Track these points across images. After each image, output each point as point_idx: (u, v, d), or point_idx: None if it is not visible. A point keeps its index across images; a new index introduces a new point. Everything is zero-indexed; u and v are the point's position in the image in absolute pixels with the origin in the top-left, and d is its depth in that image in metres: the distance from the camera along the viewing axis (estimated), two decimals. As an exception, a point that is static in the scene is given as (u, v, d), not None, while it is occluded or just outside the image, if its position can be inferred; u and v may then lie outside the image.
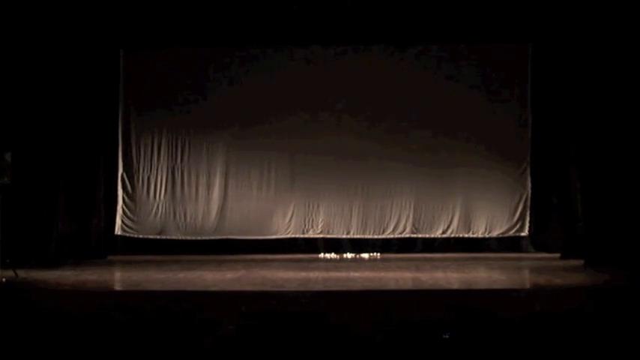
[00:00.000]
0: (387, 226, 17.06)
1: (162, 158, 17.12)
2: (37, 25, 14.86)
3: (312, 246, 17.06)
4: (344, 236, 17.06)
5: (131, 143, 17.08)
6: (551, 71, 16.06)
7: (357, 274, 13.07)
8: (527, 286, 12.53)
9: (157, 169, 17.11)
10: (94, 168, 16.60)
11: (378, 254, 16.67)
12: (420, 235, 17.09)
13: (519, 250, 16.90)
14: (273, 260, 15.51)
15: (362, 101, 16.88)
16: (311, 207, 17.04)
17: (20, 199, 14.27)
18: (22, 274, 13.18)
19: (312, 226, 17.04)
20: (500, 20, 15.45)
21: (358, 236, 17.06)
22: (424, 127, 16.86)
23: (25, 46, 14.90)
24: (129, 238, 16.93)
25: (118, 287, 12.78)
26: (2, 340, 6.65)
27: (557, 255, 15.86)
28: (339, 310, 9.02)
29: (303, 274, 13.12)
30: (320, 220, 17.02)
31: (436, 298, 10.53)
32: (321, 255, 16.67)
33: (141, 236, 16.93)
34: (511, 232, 16.94)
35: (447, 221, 16.96)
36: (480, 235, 16.97)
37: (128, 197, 17.03)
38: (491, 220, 16.92)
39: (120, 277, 13.72)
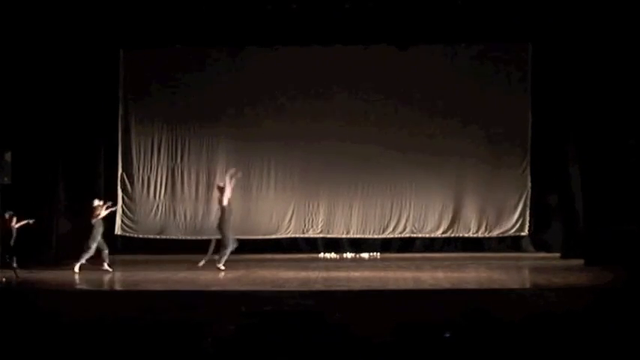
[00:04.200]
0: (387, 226, 17.07)
1: (162, 158, 17.13)
2: (38, 27, 14.85)
3: (312, 246, 17.07)
4: (344, 236, 17.07)
5: (131, 143, 17.08)
6: (551, 71, 16.06)
7: (357, 274, 13.08)
8: (527, 286, 12.52)
9: (157, 169, 17.12)
10: (94, 168, 16.61)
11: (378, 254, 16.68)
12: (420, 235, 17.09)
13: (519, 249, 16.90)
14: (273, 260, 15.50)
15: (362, 103, 16.86)
16: (311, 207, 17.04)
17: (20, 199, 14.26)
18: (22, 274, 13.19)
19: (312, 226, 17.05)
20: (501, 20, 15.41)
21: (358, 236, 17.06)
22: (424, 129, 16.86)
23: (25, 49, 14.92)
24: (129, 237, 16.93)
25: (118, 287, 12.78)
26: (2, 340, 6.65)
27: (557, 255, 15.87)
28: (339, 310, 9.00)
29: (303, 274, 13.13)
30: (320, 219, 17.03)
31: (436, 298, 10.52)
32: (321, 255, 16.68)
33: (141, 236, 16.93)
34: (511, 232, 16.94)
35: (447, 221, 16.96)
36: (480, 235, 16.97)
37: (128, 197, 17.03)
38: (492, 219, 16.92)
39: (120, 277, 13.72)
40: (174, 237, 16.90)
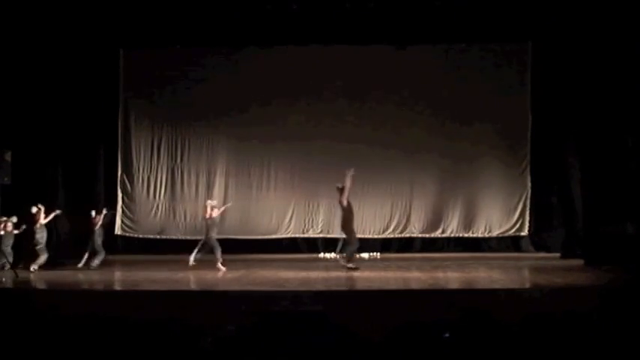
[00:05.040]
0: (387, 226, 17.08)
1: (162, 158, 17.14)
2: (38, 27, 14.85)
3: (312, 246, 17.06)
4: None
5: (131, 143, 17.09)
6: (551, 71, 16.06)
7: (357, 274, 13.06)
8: (527, 285, 12.51)
9: (157, 169, 17.13)
10: (94, 168, 16.61)
11: (378, 254, 16.67)
12: (420, 235, 17.10)
13: (519, 250, 16.90)
14: (273, 260, 15.50)
15: (362, 103, 16.88)
16: (311, 207, 17.05)
17: (20, 199, 14.26)
18: (23, 274, 13.19)
19: (312, 226, 17.05)
20: (501, 19, 15.41)
21: (358, 236, 17.01)
22: (424, 129, 16.87)
23: (25, 49, 14.92)
24: (129, 237, 16.94)
25: (118, 287, 12.77)
26: (3, 340, 6.66)
27: (557, 255, 15.87)
28: (339, 310, 9.00)
29: (303, 274, 13.12)
30: (320, 219, 17.03)
31: (436, 298, 10.52)
32: (321, 255, 16.68)
33: (141, 236, 16.93)
34: (511, 232, 16.95)
35: (447, 221, 16.97)
36: (479, 235, 16.97)
37: (127, 197, 17.04)
38: (491, 219, 16.93)
39: (120, 277, 13.71)
40: (174, 237, 16.91)
